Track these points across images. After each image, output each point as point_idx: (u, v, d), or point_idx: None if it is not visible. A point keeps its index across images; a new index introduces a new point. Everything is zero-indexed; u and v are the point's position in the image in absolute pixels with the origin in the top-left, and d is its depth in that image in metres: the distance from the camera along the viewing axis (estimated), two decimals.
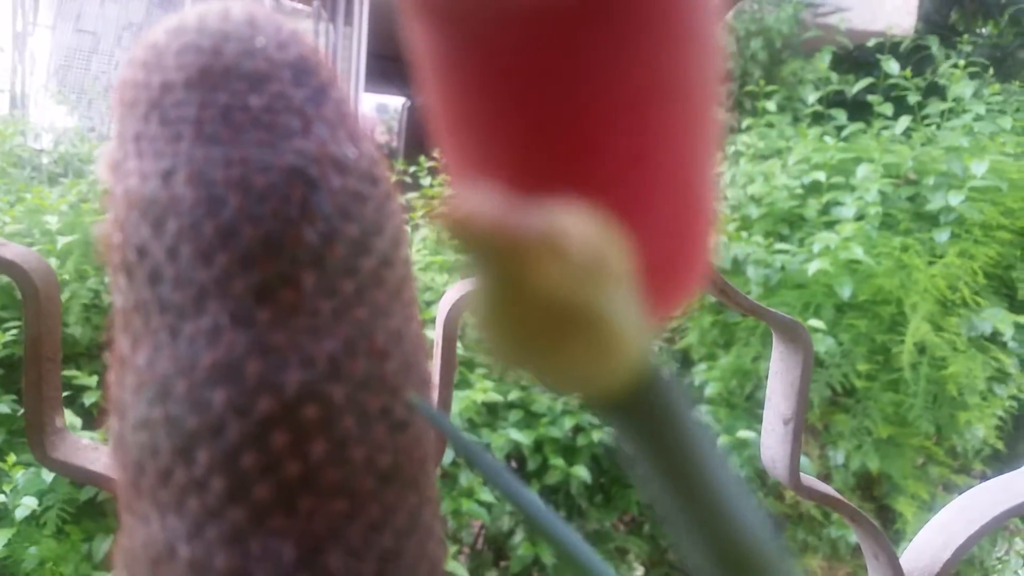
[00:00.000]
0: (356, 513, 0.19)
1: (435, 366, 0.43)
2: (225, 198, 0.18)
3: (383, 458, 0.19)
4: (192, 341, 0.18)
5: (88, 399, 1.64)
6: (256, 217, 0.18)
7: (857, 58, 3.75)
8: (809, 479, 0.46)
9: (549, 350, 0.11)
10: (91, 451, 0.44)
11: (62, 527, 1.51)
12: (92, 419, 1.65)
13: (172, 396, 0.18)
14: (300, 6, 4.94)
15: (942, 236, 2.09)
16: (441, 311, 0.43)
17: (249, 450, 0.18)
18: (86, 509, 1.56)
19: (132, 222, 0.19)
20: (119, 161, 0.20)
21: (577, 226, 0.11)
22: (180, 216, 0.18)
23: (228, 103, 0.19)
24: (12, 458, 1.48)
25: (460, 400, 1.81)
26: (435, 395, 0.42)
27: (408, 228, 0.22)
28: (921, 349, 1.97)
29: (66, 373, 1.61)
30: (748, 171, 2.55)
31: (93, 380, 1.66)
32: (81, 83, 4.61)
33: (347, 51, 5.10)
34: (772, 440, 0.46)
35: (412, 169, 2.82)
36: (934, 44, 3.28)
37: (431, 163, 2.78)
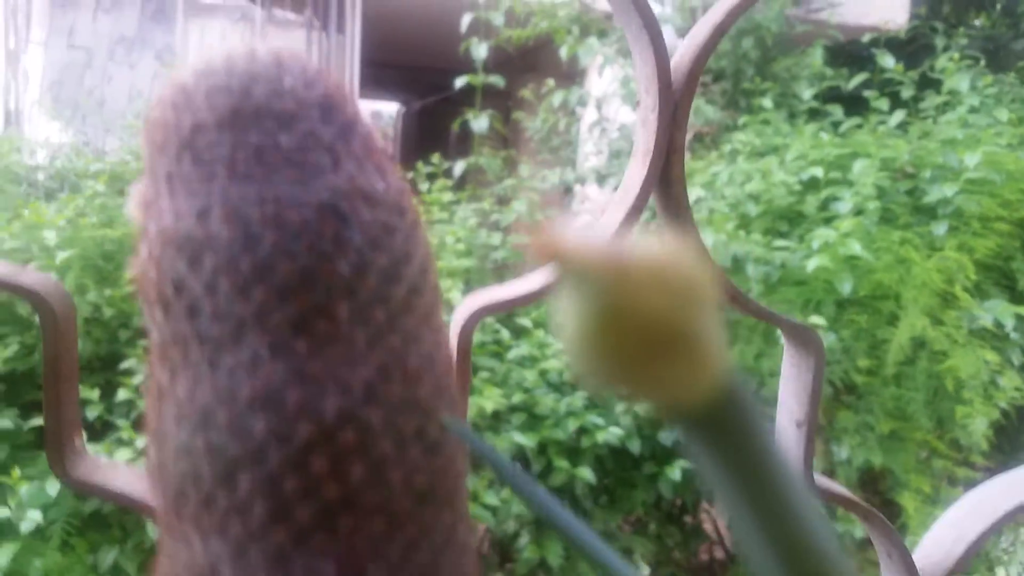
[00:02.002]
0: (394, 532, 0.19)
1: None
2: (261, 235, 0.19)
3: (419, 479, 0.20)
4: (232, 372, 0.19)
5: (91, 413, 1.65)
6: (291, 252, 0.19)
7: (851, 53, 3.76)
8: (824, 480, 0.46)
9: (645, 369, 0.12)
10: (110, 470, 0.45)
11: (67, 540, 1.51)
12: (94, 432, 1.66)
13: (213, 425, 0.19)
14: (292, 16, 4.95)
15: (940, 229, 2.09)
16: (456, 322, 0.44)
17: (290, 475, 0.19)
18: (91, 522, 1.57)
19: (168, 259, 0.20)
20: (151, 200, 0.20)
21: (674, 255, 0.12)
22: (217, 252, 0.19)
23: (260, 143, 0.20)
24: (16, 472, 1.49)
25: None
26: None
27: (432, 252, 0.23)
28: (920, 343, 1.97)
29: None
30: (745, 169, 2.55)
31: (95, 394, 1.66)
32: (75, 98, 4.61)
33: (340, 59, 5.11)
34: (786, 443, 0.46)
35: (409, 175, 2.83)
36: (932, 36, 3.29)
37: (428, 169, 2.79)
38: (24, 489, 1.47)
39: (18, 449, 1.62)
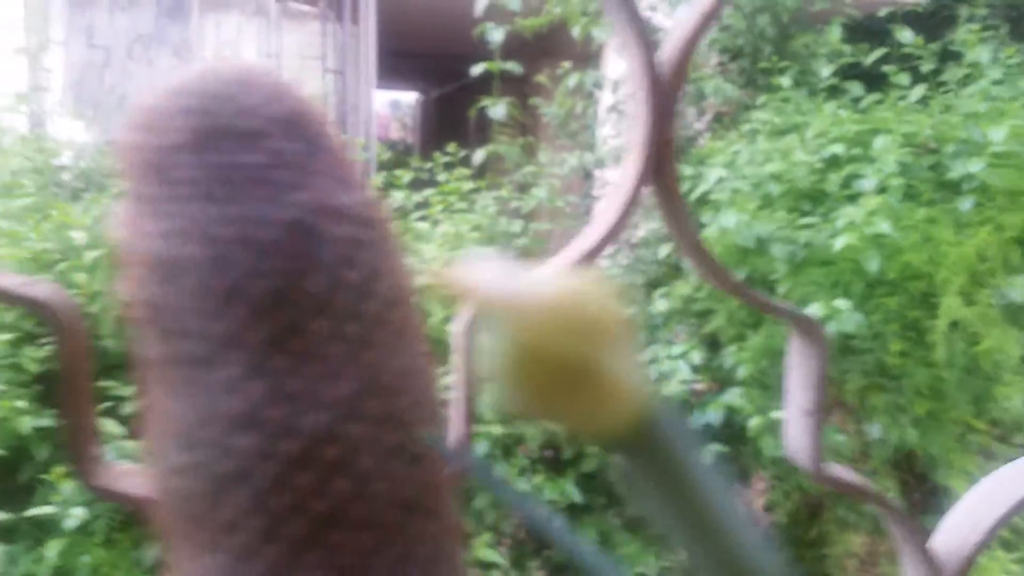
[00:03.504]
0: (383, 545, 0.19)
1: (457, 376, 0.44)
2: (232, 255, 0.19)
3: (404, 491, 0.20)
4: (211, 392, 0.19)
5: (126, 409, 1.66)
6: (262, 272, 0.19)
7: (869, 28, 3.70)
8: (835, 468, 0.46)
9: (556, 403, 0.13)
10: (130, 477, 0.45)
11: (111, 536, 1.53)
12: (129, 429, 1.67)
13: (199, 444, 0.19)
14: (307, 8, 4.95)
15: (965, 204, 2.06)
16: (459, 321, 0.44)
17: (277, 492, 0.19)
18: (132, 518, 1.58)
19: (143, 280, 0.20)
20: (127, 221, 0.21)
21: (575, 290, 0.12)
22: (186, 274, 0.19)
23: (223, 162, 0.20)
24: (58, 470, 1.50)
25: None
26: (459, 408, 0.43)
27: (412, 262, 0.23)
28: (954, 324, 1.93)
29: (104, 384, 1.63)
30: (766, 148, 2.52)
31: (128, 390, 1.67)
32: (96, 97, 4.64)
33: (355, 50, 5.11)
34: (795, 431, 0.46)
35: (428, 165, 2.82)
36: (954, 7, 3.23)
37: (447, 158, 2.78)
38: (66, 486, 1.49)
39: (59, 448, 1.64)
